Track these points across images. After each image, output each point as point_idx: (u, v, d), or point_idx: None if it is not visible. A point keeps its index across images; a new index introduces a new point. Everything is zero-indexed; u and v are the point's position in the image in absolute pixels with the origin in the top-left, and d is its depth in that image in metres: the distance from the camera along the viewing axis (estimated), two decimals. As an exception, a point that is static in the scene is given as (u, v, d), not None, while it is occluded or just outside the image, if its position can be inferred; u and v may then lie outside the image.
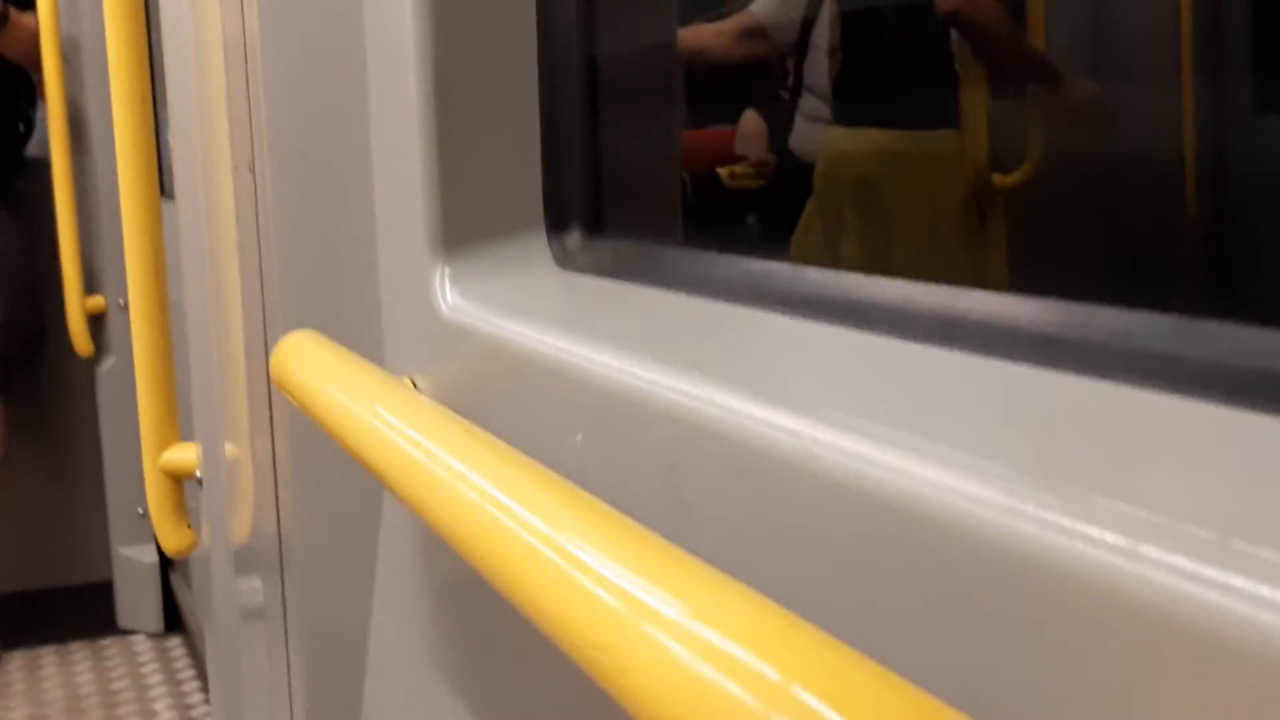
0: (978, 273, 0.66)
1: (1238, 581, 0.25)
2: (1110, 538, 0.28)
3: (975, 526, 0.31)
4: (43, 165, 2.65)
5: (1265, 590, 0.24)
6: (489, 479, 0.42)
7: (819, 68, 0.85)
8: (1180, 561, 0.26)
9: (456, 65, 0.72)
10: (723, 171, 0.85)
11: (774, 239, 0.83)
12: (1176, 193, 0.47)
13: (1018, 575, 0.30)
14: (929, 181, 0.70)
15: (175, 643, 2.83)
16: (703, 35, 0.94)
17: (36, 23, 2.48)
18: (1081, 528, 0.28)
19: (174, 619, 2.86)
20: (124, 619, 2.87)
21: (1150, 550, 0.27)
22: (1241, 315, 0.34)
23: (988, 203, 0.63)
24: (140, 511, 2.65)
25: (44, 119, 2.65)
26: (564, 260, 0.72)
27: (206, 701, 2.47)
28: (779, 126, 0.86)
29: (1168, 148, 0.47)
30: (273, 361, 0.76)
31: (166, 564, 2.81)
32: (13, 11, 2.54)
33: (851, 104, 0.82)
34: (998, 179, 0.64)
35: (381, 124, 0.80)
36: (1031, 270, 0.59)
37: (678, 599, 0.31)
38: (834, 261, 0.72)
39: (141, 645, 2.82)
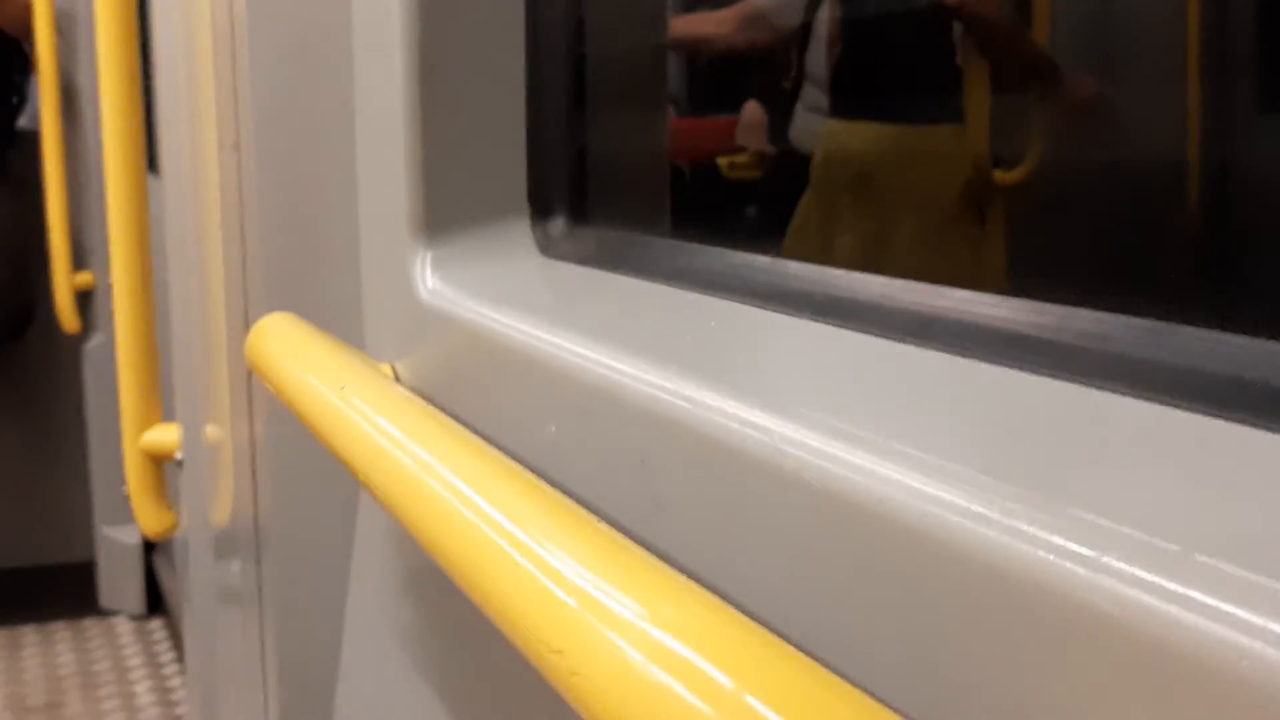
0: (970, 271, 0.66)
1: (1198, 595, 0.24)
2: (1074, 546, 0.27)
3: (939, 531, 0.30)
4: (34, 138, 2.63)
5: (1225, 605, 0.24)
6: (454, 472, 0.42)
7: (821, 58, 0.84)
8: (1142, 573, 0.25)
9: (442, 49, 0.71)
10: (722, 162, 0.84)
11: (764, 232, 0.82)
12: (1171, 196, 0.46)
13: (980, 581, 0.29)
14: (927, 177, 0.69)
15: (157, 625, 2.82)
16: (704, 23, 0.93)
17: None
18: (1045, 535, 0.28)
19: (156, 601, 2.85)
20: (106, 599, 2.86)
21: (1112, 560, 0.26)
22: (1224, 322, 0.34)
23: (988, 200, 0.62)
24: (124, 492, 2.64)
25: (36, 91, 2.64)
26: (547, 247, 0.71)
27: (186, 685, 2.46)
28: (780, 118, 0.85)
29: (1167, 150, 0.46)
30: (248, 344, 0.75)
31: (150, 545, 2.80)
32: (7, -19, 2.53)
33: (849, 96, 0.81)
34: (999, 175, 0.63)
35: (366, 106, 0.79)
36: (1023, 269, 0.58)
37: (633, 601, 0.30)
38: (827, 256, 0.71)
39: (123, 626, 2.82)
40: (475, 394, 0.64)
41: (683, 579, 0.32)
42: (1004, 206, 0.62)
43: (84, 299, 2.68)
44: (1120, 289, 0.44)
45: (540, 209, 0.71)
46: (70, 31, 2.66)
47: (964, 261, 0.67)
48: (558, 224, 0.71)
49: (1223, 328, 0.33)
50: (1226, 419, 0.30)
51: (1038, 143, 0.62)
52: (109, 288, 2.55)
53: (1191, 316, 0.34)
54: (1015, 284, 0.56)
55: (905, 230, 0.72)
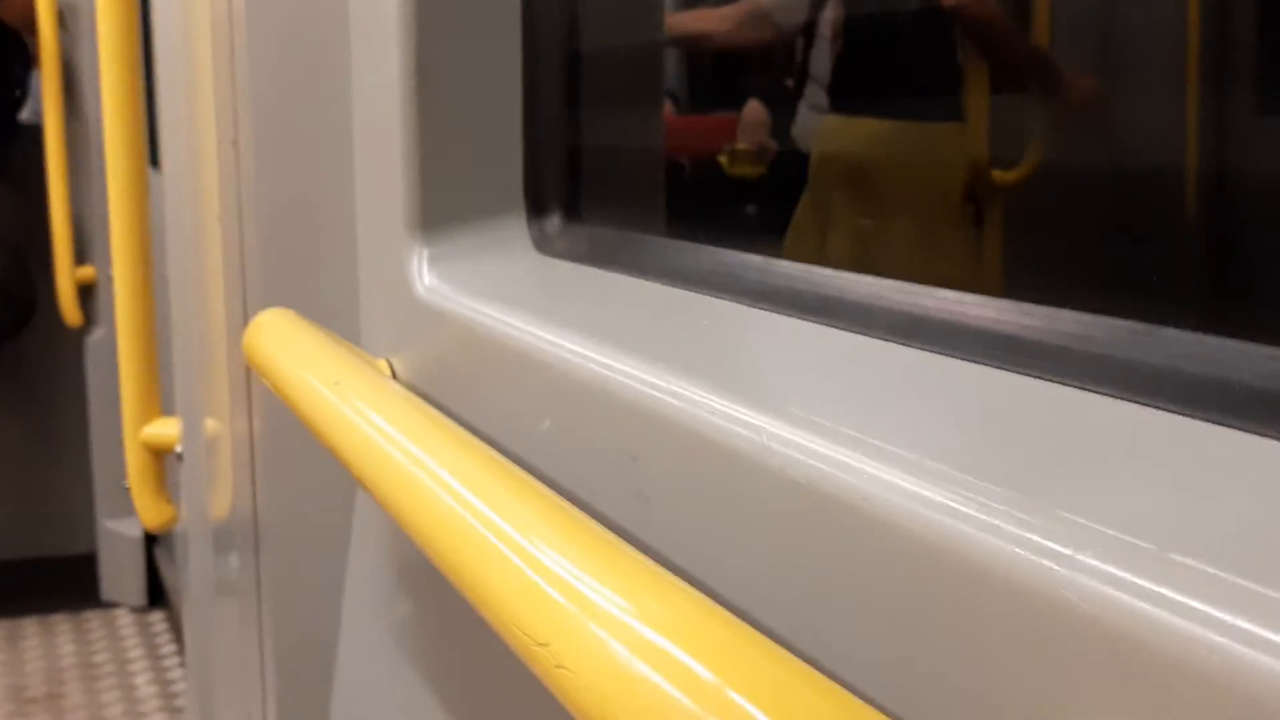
0: (964, 268, 0.66)
1: (1172, 594, 0.24)
2: (1051, 544, 0.27)
3: (923, 528, 0.31)
4: (36, 132, 2.63)
5: (1198, 604, 0.24)
6: (445, 468, 0.42)
7: (825, 56, 0.84)
8: (1117, 571, 0.26)
9: (439, 47, 0.71)
10: (723, 158, 0.84)
11: (760, 230, 0.82)
12: (1162, 200, 0.47)
13: (962, 578, 0.29)
14: (925, 175, 0.69)
15: (158, 617, 2.83)
16: (706, 19, 0.93)
17: None
18: (1024, 533, 0.28)
19: (157, 593, 2.86)
20: (107, 592, 2.87)
21: (1088, 558, 0.26)
22: (1207, 324, 0.34)
23: (985, 199, 0.63)
24: (126, 485, 2.64)
25: (38, 85, 2.64)
26: (543, 245, 0.72)
27: (187, 677, 2.47)
28: (783, 116, 0.85)
29: (1161, 153, 0.47)
30: (245, 340, 0.75)
31: (151, 538, 2.81)
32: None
33: (850, 93, 0.81)
34: (997, 175, 0.63)
35: (363, 103, 0.80)
36: (1015, 268, 0.58)
37: (618, 595, 0.30)
38: (823, 253, 0.72)
39: (124, 619, 2.82)
40: (470, 389, 0.64)
41: (668, 574, 0.33)
42: (1001, 206, 0.62)
43: (85, 293, 2.69)
44: (1107, 289, 0.44)
45: (536, 206, 0.72)
46: (73, 25, 2.67)
47: (958, 259, 0.67)
48: (553, 221, 0.71)
49: (1205, 330, 0.33)
50: (1207, 420, 0.30)
51: (1037, 143, 0.62)
52: (111, 282, 2.55)
53: (1175, 318, 0.35)
54: (1005, 282, 0.56)
55: (901, 227, 0.72)
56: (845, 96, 0.81)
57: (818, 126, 0.85)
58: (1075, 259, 0.50)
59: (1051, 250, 0.53)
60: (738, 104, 0.89)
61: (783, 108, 0.84)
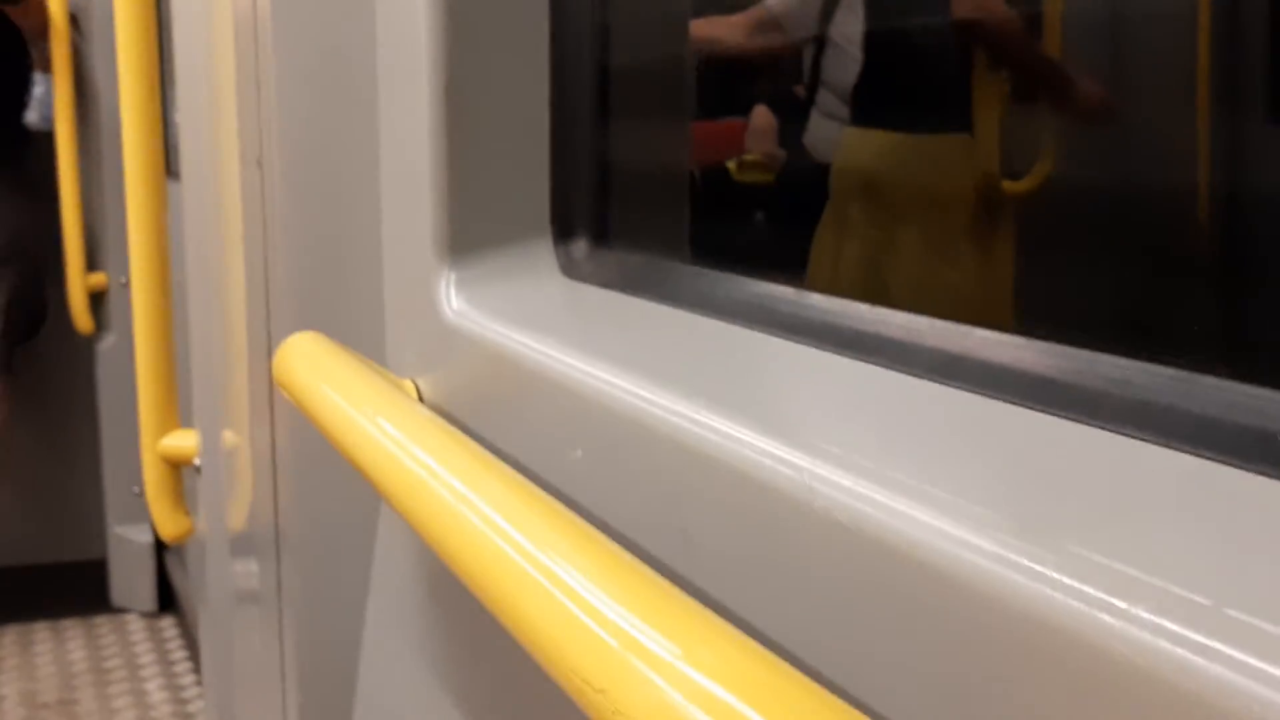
0: (983, 297, 0.66)
1: (1231, 651, 0.25)
2: (1105, 596, 0.28)
3: (966, 575, 0.31)
4: (48, 138, 2.64)
5: (1258, 662, 0.24)
6: (489, 503, 0.43)
7: (837, 64, 0.84)
8: (1173, 626, 0.26)
9: (468, 69, 0.72)
10: (730, 164, 0.84)
11: (783, 247, 0.83)
12: (1186, 229, 0.47)
13: (1010, 627, 0.30)
14: (938, 185, 0.70)
15: (168, 623, 2.84)
16: (715, 27, 0.94)
17: None
18: (1075, 584, 0.29)
19: (168, 599, 2.87)
20: (118, 597, 2.88)
21: (1143, 612, 0.27)
22: (1248, 371, 0.34)
23: (997, 210, 0.63)
24: (136, 490, 2.65)
25: (51, 92, 2.65)
26: (570, 270, 0.72)
27: (198, 682, 2.48)
28: (793, 124, 0.85)
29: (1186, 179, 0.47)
30: (275, 362, 0.76)
31: (161, 544, 2.82)
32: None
33: (865, 104, 0.81)
34: (1007, 185, 0.64)
35: (391, 125, 0.80)
36: (1026, 280, 0.59)
37: (673, 641, 0.31)
38: (842, 273, 0.72)
39: (135, 624, 2.83)
40: (499, 414, 0.64)
41: (718, 619, 0.33)
42: (1013, 218, 0.62)
43: (97, 300, 2.70)
44: (1122, 332, 0.44)
45: (563, 231, 0.72)
46: (86, 31, 2.67)
47: (970, 270, 0.67)
48: (580, 246, 0.72)
49: (1245, 378, 0.34)
50: (1250, 470, 0.31)
51: (1048, 154, 0.63)
52: (122, 288, 2.56)
53: (1214, 364, 0.35)
54: (1020, 313, 0.56)
55: (914, 238, 0.72)
56: (858, 106, 0.81)
57: (831, 135, 0.85)
58: (1117, 297, 0.50)
59: (1094, 283, 0.53)
60: (745, 111, 0.89)
61: (792, 115, 0.85)
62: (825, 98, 0.86)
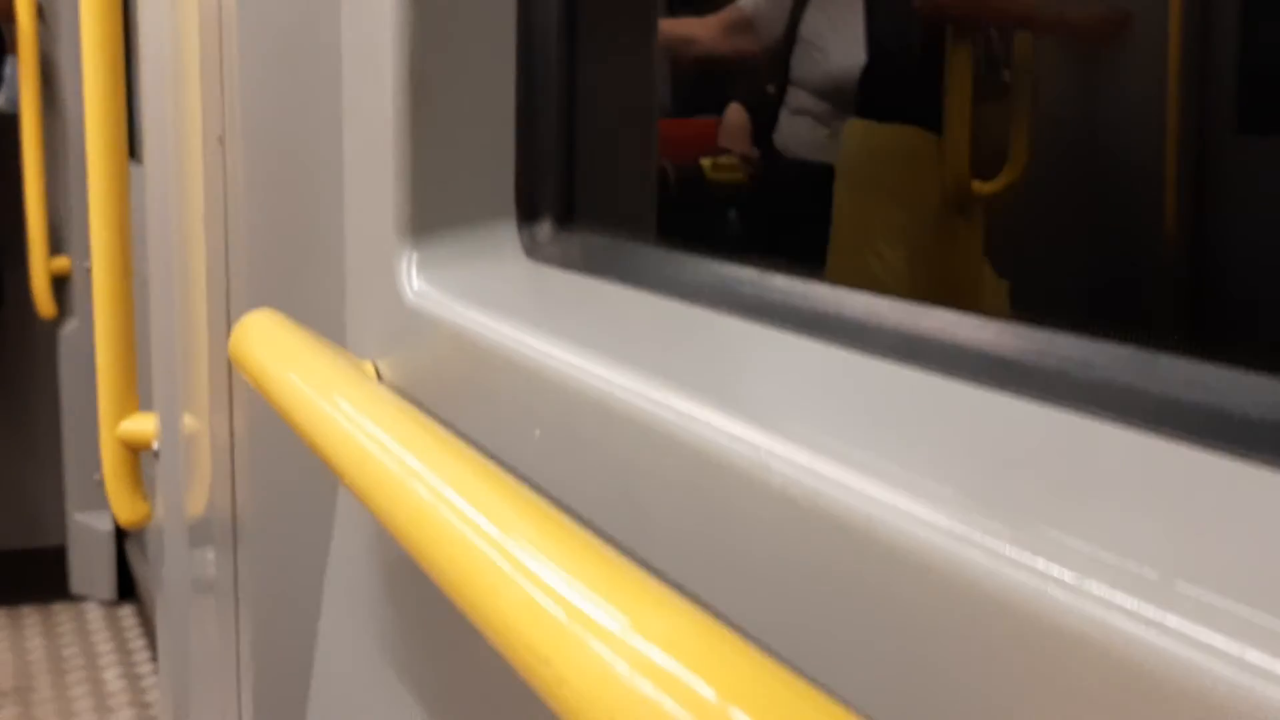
0: (951, 284, 0.66)
1: (1178, 623, 0.25)
2: (1056, 571, 0.28)
3: (921, 550, 0.31)
4: (12, 121, 2.61)
5: (1205, 634, 0.24)
6: (441, 477, 0.42)
7: (806, 61, 0.85)
8: (1123, 599, 0.26)
9: (433, 48, 0.71)
10: (705, 162, 0.84)
11: (749, 237, 0.83)
12: (1154, 219, 0.47)
13: (961, 601, 0.30)
14: (910, 177, 0.70)
15: (127, 611, 2.81)
16: (690, 26, 0.94)
17: None
18: (1028, 559, 0.28)
19: (127, 587, 2.84)
20: (77, 585, 2.84)
21: (1094, 586, 0.27)
22: (1206, 351, 0.34)
23: (967, 200, 0.63)
24: (97, 478, 2.62)
25: (15, 74, 2.61)
26: (533, 251, 0.71)
27: (156, 671, 2.45)
28: (763, 120, 0.85)
29: (1153, 170, 0.47)
30: (231, 340, 0.75)
31: (121, 532, 2.79)
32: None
33: (836, 99, 0.81)
34: (976, 185, 0.64)
35: (355, 103, 0.79)
36: (1003, 284, 0.59)
37: (620, 612, 0.30)
38: (822, 262, 0.72)
39: (93, 612, 2.80)
40: (459, 395, 0.64)
41: (666, 590, 0.33)
42: (983, 209, 0.62)
43: (59, 284, 2.66)
44: (1086, 313, 0.44)
45: (527, 212, 0.72)
46: (50, 15, 2.64)
47: (939, 271, 0.67)
48: (544, 228, 0.71)
49: (1203, 356, 0.33)
50: (1205, 448, 0.31)
51: (1020, 147, 0.63)
52: (86, 273, 2.53)
53: (1173, 343, 0.35)
54: (986, 299, 0.56)
55: (887, 232, 0.72)
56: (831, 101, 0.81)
57: (800, 131, 0.85)
58: (1076, 278, 0.50)
59: (1055, 268, 0.53)
60: (718, 109, 0.89)
61: (764, 112, 0.85)
62: (794, 94, 0.86)
